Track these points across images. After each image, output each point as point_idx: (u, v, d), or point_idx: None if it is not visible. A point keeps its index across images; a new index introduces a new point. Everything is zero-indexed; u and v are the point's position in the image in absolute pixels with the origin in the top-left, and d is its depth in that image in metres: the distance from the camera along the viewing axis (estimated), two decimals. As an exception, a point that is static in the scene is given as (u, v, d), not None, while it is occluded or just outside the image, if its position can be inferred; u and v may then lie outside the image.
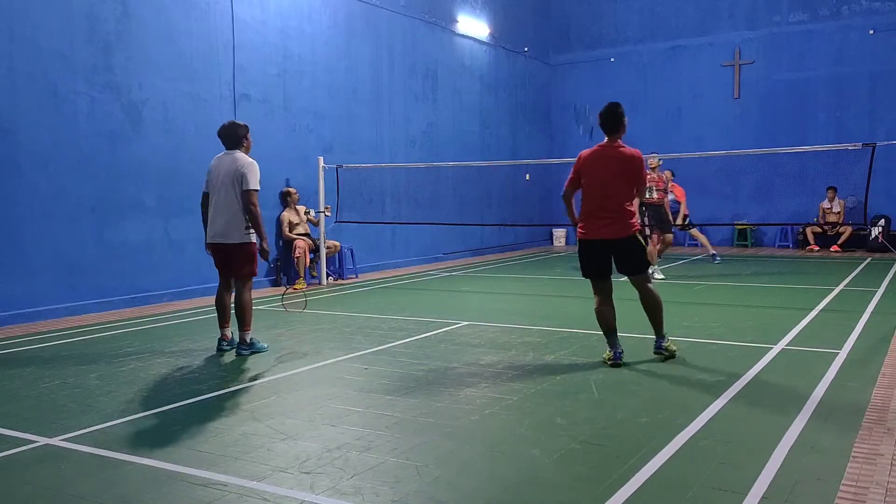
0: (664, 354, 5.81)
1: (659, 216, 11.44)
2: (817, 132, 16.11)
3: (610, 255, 5.70)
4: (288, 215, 11.10)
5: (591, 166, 5.71)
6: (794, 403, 4.53)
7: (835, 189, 15.51)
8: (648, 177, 11.36)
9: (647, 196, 11.02)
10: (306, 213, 11.33)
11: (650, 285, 5.82)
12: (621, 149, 5.71)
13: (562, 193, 5.91)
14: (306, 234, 11.24)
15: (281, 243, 11.15)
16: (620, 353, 5.67)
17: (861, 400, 4.61)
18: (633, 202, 5.75)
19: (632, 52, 18.57)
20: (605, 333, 5.80)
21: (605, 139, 5.78)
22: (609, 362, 5.65)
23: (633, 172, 5.67)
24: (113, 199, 8.98)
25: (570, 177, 5.84)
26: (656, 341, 5.88)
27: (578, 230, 5.78)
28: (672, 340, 5.93)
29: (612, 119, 5.74)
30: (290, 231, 11.05)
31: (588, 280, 5.86)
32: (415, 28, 14.25)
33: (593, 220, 5.67)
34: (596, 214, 5.66)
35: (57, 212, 8.38)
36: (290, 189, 11.21)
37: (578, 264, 5.91)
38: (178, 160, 9.69)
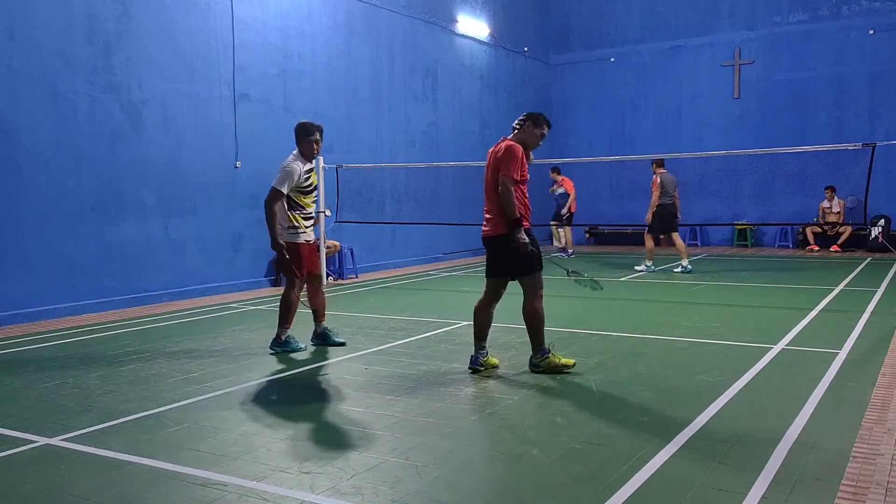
0: (539, 369, 5.42)
1: (658, 217, 11.92)
2: (817, 132, 16.11)
3: (496, 256, 5.47)
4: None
5: (487, 164, 5.51)
6: (793, 403, 4.53)
7: (833, 189, 15.50)
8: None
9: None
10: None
11: (534, 296, 5.42)
12: (502, 142, 5.44)
13: None
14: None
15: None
16: (476, 359, 5.51)
17: (861, 400, 4.61)
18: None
19: (632, 52, 18.58)
20: (476, 336, 5.56)
21: None
22: (470, 367, 5.50)
23: (500, 163, 5.32)
24: (113, 199, 8.98)
25: None
26: (532, 355, 5.50)
27: None
28: (555, 354, 5.48)
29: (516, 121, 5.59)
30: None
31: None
32: (415, 28, 14.26)
33: (484, 217, 5.52)
34: (485, 211, 5.50)
35: (57, 212, 8.38)
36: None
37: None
38: (178, 160, 9.69)
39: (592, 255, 16.14)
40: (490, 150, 5.52)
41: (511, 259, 5.36)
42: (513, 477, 3.49)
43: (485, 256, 5.65)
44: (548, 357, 5.43)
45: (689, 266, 12.01)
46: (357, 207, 12.46)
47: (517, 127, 5.52)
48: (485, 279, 5.65)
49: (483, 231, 5.49)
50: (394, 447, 3.88)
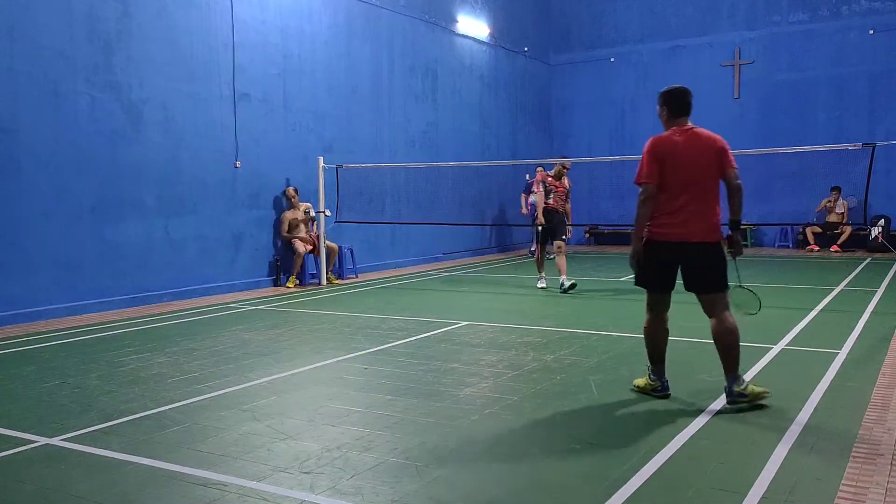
0: (745, 399, 4.44)
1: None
2: (817, 132, 16.09)
3: (703, 264, 4.96)
4: (290, 215, 11.10)
5: (694, 154, 5.12)
6: (794, 403, 4.53)
7: (839, 189, 15.47)
8: (542, 180, 10.37)
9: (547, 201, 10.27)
10: (306, 211, 11.31)
11: (727, 312, 4.79)
12: (699, 129, 5.24)
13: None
14: (307, 234, 11.22)
15: (280, 243, 11.14)
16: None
17: (861, 400, 4.61)
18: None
19: (632, 52, 18.57)
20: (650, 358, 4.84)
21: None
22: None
23: (722, 155, 5.17)
24: (113, 199, 8.98)
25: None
26: (730, 384, 4.50)
27: None
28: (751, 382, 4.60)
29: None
30: (291, 231, 11.05)
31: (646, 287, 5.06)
32: (415, 28, 14.26)
33: (688, 219, 4.96)
34: (692, 212, 4.96)
35: (57, 212, 8.38)
36: (290, 189, 11.17)
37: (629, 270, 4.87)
38: (178, 160, 9.69)
39: (592, 255, 16.14)
40: (686, 139, 4.97)
41: (711, 268, 4.74)
42: (513, 477, 3.49)
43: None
44: (747, 385, 4.46)
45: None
46: (357, 207, 12.45)
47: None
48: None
49: (688, 234, 4.71)
50: (394, 447, 3.88)
